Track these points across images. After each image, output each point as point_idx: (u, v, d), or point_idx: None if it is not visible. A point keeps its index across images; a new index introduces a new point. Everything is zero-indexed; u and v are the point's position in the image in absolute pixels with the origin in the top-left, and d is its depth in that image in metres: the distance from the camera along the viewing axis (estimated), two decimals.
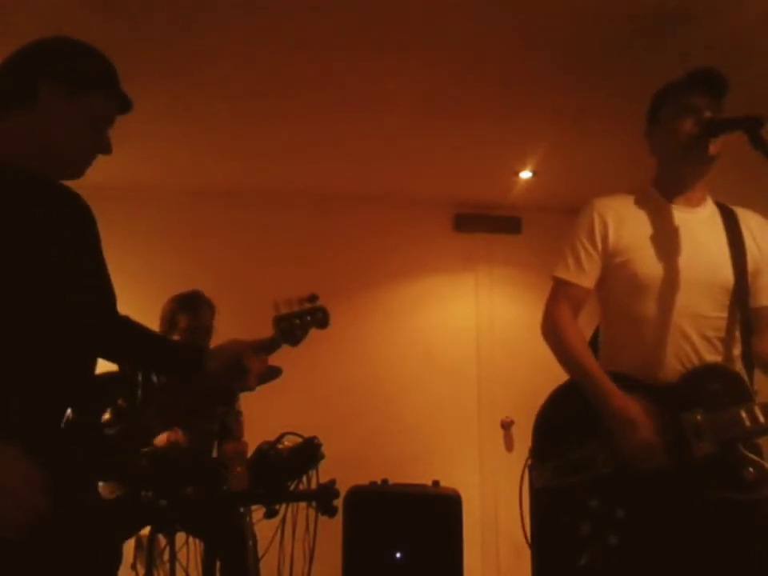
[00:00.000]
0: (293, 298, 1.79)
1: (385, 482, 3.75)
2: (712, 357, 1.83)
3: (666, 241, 1.88)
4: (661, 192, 1.97)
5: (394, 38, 2.80)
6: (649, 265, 1.86)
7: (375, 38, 2.80)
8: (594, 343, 2.03)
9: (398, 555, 3.51)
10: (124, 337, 1.61)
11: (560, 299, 1.96)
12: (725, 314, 1.85)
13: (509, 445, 4.71)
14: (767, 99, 2.90)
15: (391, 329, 4.70)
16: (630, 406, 1.77)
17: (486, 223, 4.89)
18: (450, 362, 4.73)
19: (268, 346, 1.73)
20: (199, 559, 2.70)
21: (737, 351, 1.85)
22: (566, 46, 2.84)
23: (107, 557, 1.44)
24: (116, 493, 2.47)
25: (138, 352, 1.65)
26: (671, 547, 1.73)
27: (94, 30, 2.62)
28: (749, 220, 1.95)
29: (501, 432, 4.71)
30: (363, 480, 3.70)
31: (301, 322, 1.77)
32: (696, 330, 1.83)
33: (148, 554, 2.68)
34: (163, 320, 3.09)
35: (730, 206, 1.98)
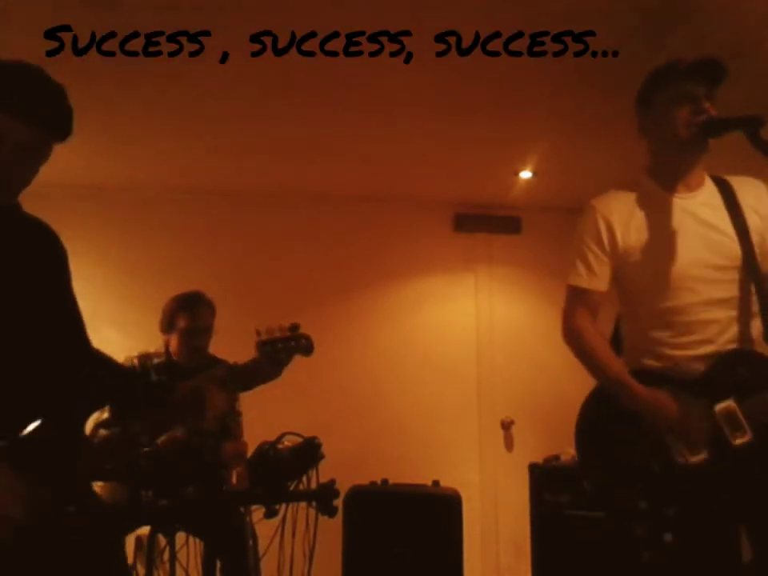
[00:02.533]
0: (273, 326, 1.80)
1: (385, 481, 3.75)
2: (735, 337, 1.83)
3: (676, 232, 1.87)
4: (658, 182, 1.96)
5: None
6: (665, 259, 1.86)
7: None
8: (615, 338, 2.05)
9: (398, 555, 3.51)
10: (92, 368, 1.60)
11: (577, 307, 1.97)
12: (741, 293, 1.85)
13: (509, 445, 4.71)
14: (767, 99, 2.90)
15: (391, 329, 4.70)
16: (659, 395, 1.79)
17: (486, 223, 4.89)
18: (449, 362, 4.73)
19: (253, 369, 1.76)
20: (199, 559, 2.70)
21: (756, 329, 1.84)
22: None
23: (109, 559, 1.44)
24: (119, 493, 2.47)
25: (105, 385, 1.64)
26: (725, 536, 1.77)
27: (91, 29, 2.64)
28: (745, 189, 1.94)
29: (501, 432, 4.71)
30: (363, 480, 3.70)
31: (284, 346, 1.78)
32: (718, 313, 1.83)
33: (148, 554, 2.67)
34: (163, 319, 3.09)
35: (725, 178, 1.97)
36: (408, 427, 4.54)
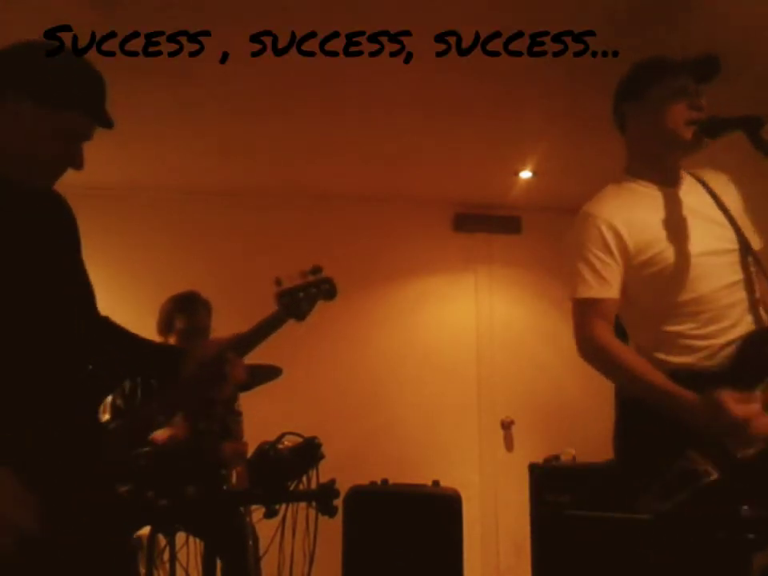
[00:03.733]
0: (294, 272, 1.71)
1: (385, 481, 3.74)
2: (754, 318, 1.81)
3: (680, 224, 1.85)
4: (645, 178, 1.93)
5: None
6: (678, 252, 1.83)
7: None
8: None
9: (398, 555, 3.51)
10: (102, 335, 1.57)
11: (591, 319, 1.85)
12: (745, 275, 1.84)
13: (509, 445, 4.71)
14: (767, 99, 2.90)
15: (391, 329, 4.70)
16: (713, 400, 1.66)
17: (486, 223, 4.89)
18: (449, 362, 4.73)
19: (272, 323, 1.65)
20: (199, 559, 2.70)
21: (764, 306, 1.83)
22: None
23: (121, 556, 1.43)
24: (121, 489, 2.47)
25: (115, 352, 1.59)
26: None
27: (92, 29, 2.64)
28: (714, 179, 1.94)
29: (501, 432, 4.71)
30: (363, 480, 3.70)
31: (305, 294, 1.69)
32: (737, 295, 1.81)
33: (148, 553, 2.68)
34: (160, 321, 3.09)
35: (695, 171, 1.97)
36: (408, 427, 4.54)
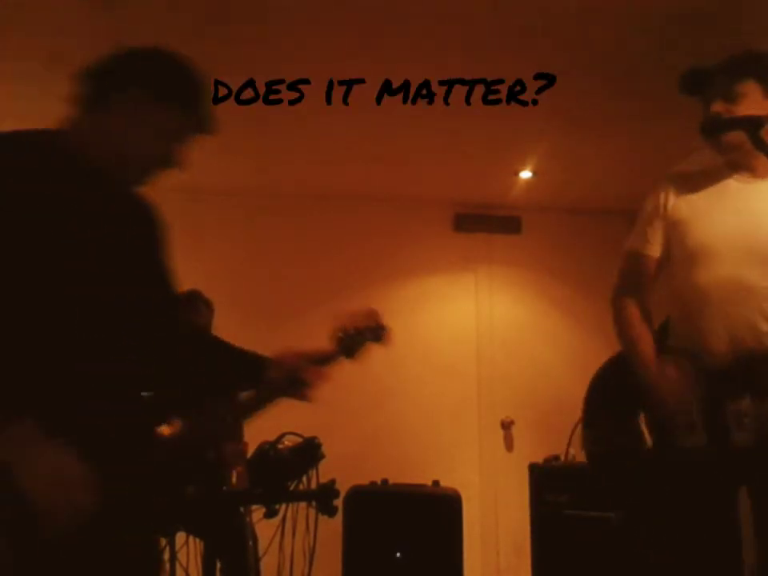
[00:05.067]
0: (356, 313, 1.88)
1: (385, 481, 3.75)
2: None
3: (719, 211, 1.87)
4: (726, 161, 1.93)
5: (394, 39, 2.80)
6: (698, 234, 1.86)
7: (375, 38, 2.80)
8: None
9: (398, 555, 3.51)
10: (179, 338, 1.59)
11: (625, 274, 2.01)
12: None
13: (509, 445, 4.71)
14: None
15: (391, 328, 4.69)
16: (668, 370, 1.80)
17: (486, 223, 4.89)
18: (449, 361, 4.73)
19: (327, 360, 1.79)
20: (199, 559, 2.70)
21: None
22: (567, 45, 2.84)
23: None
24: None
25: (196, 356, 1.62)
26: (703, 531, 1.74)
27: (93, 27, 2.64)
28: None
29: (501, 432, 4.71)
30: (363, 480, 3.70)
31: (362, 339, 1.87)
32: (749, 301, 1.79)
33: None
34: None
35: None
36: (408, 427, 4.54)
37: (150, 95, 1.40)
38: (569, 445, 3.55)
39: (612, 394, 1.97)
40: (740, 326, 1.78)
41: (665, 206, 1.93)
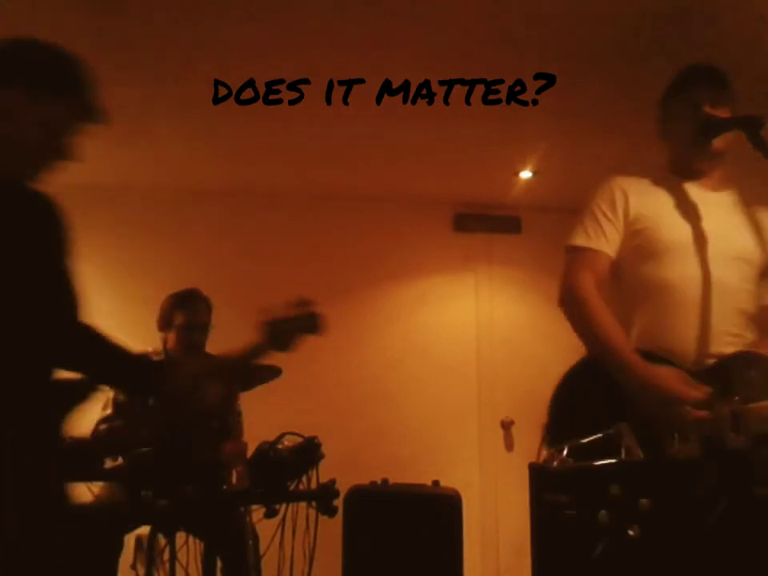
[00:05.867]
0: (281, 303, 1.73)
1: (385, 481, 3.74)
2: (739, 332, 1.79)
3: (686, 211, 1.86)
4: (677, 176, 1.95)
5: (393, 37, 2.80)
6: (669, 231, 1.83)
7: (375, 37, 2.80)
8: None
9: (398, 555, 3.50)
10: (79, 344, 1.55)
11: (579, 267, 1.85)
12: (751, 287, 1.82)
13: (509, 445, 4.71)
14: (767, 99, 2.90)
15: (391, 328, 4.70)
16: (659, 372, 1.67)
17: (486, 223, 4.89)
18: (449, 361, 4.73)
19: (254, 353, 1.70)
20: (199, 559, 2.70)
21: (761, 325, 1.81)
22: (566, 45, 2.84)
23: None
24: (119, 493, 2.47)
25: (92, 361, 1.57)
26: (691, 542, 1.66)
27: (91, 29, 2.64)
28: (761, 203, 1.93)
29: (501, 432, 4.71)
30: (363, 480, 3.69)
31: (289, 328, 1.72)
32: (721, 300, 1.78)
33: (148, 553, 2.67)
34: (160, 317, 3.11)
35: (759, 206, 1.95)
36: (408, 427, 4.54)
37: (21, 87, 1.36)
38: None
39: (582, 405, 1.78)
40: (713, 326, 1.76)
41: (623, 205, 1.88)
